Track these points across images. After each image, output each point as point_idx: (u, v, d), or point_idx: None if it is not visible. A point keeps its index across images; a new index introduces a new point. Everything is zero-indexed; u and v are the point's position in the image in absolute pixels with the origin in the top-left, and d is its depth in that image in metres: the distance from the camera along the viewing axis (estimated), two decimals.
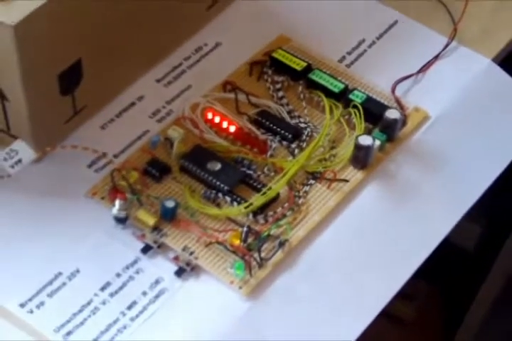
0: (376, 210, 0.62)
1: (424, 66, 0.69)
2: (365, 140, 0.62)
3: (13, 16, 0.52)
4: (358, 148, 0.62)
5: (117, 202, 0.58)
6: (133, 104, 0.66)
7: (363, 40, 0.71)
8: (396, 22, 0.72)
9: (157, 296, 0.57)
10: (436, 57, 0.70)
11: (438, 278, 1.19)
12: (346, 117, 0.65)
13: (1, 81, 0.56)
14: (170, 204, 0.58)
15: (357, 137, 0.62)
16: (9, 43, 0.53)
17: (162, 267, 0.58)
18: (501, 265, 1.12)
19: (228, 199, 0.60)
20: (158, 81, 0.67)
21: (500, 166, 0.66)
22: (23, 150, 0.58)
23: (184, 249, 0.58)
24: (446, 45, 0.70)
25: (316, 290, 0.58)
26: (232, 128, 0.63)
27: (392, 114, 0.63)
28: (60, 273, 0.57)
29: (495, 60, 0.70)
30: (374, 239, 0.61)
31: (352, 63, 0.69)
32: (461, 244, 1.17)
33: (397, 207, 0.63)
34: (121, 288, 0.57)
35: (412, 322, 1.20)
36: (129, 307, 0.56)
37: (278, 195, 0.61)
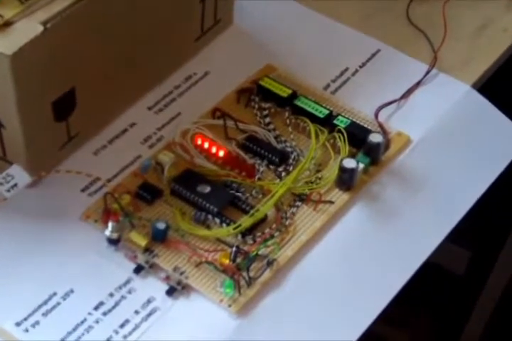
0: (361, 231, 0.64)
1: (406, 92, 0.72)
2: (349, 163, 0.64)
3: (10, 46, 0.54)
4: (343, 170, 0.64)
5: (110, 224, 0.60)
6: (125, 130, 0.68)
7: (347, 69, 0.73)
8: (378, 51, 0.75)
9: (149, 315, 0.58)
10: (418, 84, 0.72)
11: (430, 303, 1.20)
12: (331, 141, 0.67)
13: None
14: (161, 225, 0.60)
15: (341, 160, 0.64)
16: (6, 72, 0.55)
17: (154, 287, 0.60)
18: (491, 288, 1.13)
19: (218, 220, 0.62)
20: (149, 108, 0.70)
21: (480, 187, 0.68)
22: (19, 174, 0.60)
23: (175, 269, 0.60)
24: (427, 73, 0.73)
25: (303, 308, 0.60)
26: (221, 153, 0.66)
27: (375, 137, 0.66)
28: (54, 294, 0.59)
29: (474, 86, 0.73)
30: (359, 258, 0.63)
31: (336, 90, 0.72)
32: (451, 269, 1.19)
33: (382, 227, 0.65)
34: (114, 307, 0.59)
35: None
36: (122, 326, 0.58)
37: (266, 216, 0.63)
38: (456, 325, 1.19)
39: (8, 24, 0.55)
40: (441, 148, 0.70)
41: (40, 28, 0.55)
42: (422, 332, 1.23)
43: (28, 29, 0.55)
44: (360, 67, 0.74)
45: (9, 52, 0.54)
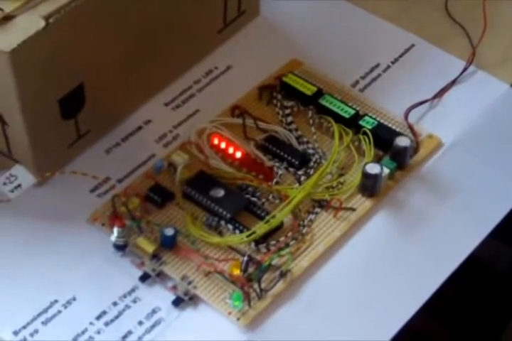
0: (384, 240, 0.60)
1: (440, 91, 0.67)
2: (373, 168, 0.60)
3: (9, 42, 0.51)
4: (366, 176, 0.60)
5: (115, 230, 0.57)
6: (140, 128, 0.65)
7: (378, 65, 0.69)
8: (412, 46, 0.70)
9: (153, 326, 0.55)
10: (453, 82, 0.68)
11: (472, 297, 1.17)
12: (356, 144, 0.63)
13: (0, 105, 0.56)
14: (169, 232, 0.57)
15: (364, 165, 0.60)
16: (5, 69, 0.52)
17: (160, 296, 0.57)
18: None
19: (230, 227, 0.59)
20: (166, 104, 0.66)
21: None
22: (22, 175, 0.58)
23: (183, 278, 0.57)
24: (464, 70, 0.68)
25: (318, 324, 0.56)
26: (239, 154, 0.62)
27: (402, 141, 0.61)
28: (56, 301, 0.56)
29: None
30: (382, 270, 0.59)
31: (365, 88, 0.68)
32: (493, 265, 1.15)
33: (407, 236, 0.61)
34: (117, 317, 0.56)
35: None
36: (124, 337, 0.55)
37: (282, 223, 0.59)
38: (499, 320, 1.15)
39: (8, 18, 0.52)
40: (476, 151, 0.65)
41: (42, 23, 0.52)
42: (462, 327, 1.20)
43: (29, 24, 0.52)
44: (393, 63, 0.69)
45: (7, 48, 0.51)
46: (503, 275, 1.15)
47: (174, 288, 0.57)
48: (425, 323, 1.19)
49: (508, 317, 1.14)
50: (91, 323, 0.55)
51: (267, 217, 0.59)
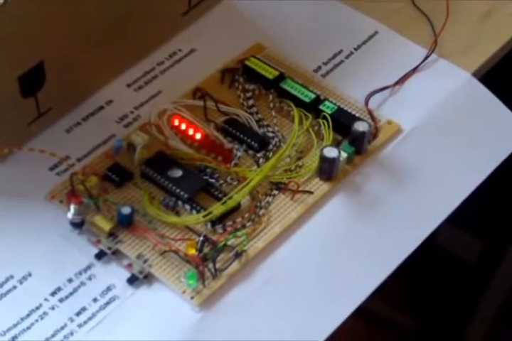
0: (340, 223, 0.61)
1: (401, 78, 0.68)
2: (330, 152, 0.60)
3: None
4: (323, 160, 0.61)
5: (72, 207, 0.57)
6: (101, 108, 0.65)
7: (341, 51, 0.70)
8: (376, 33, 0.71)
9: (107, 303, 0.56)
10: (415, 70, 0.68)
11: (440, 290, 1.18)
12: (316, 128, 0.64)
13: None
14: (126, 210, 0.58)
15: (322, 149, 0.61)
16: None
17: (115, 274, 0.57)
18: (502, 278, 1.11)
19: (188, 207, 0.59)
20: (128, 85, 0.66)
21: (474, 182, 0.65)
22: None
23: (138, 256, 0.57)
24: (426, 58, 0.69)
25: (271, 304, 0.57)
26: (198, 136, 0.63)
27: (360, 126, 0.62)
28: (11, 277, 0.56)
29: (475, 74, 0.69)
30: (337, 252, 0.60)
31: (327, 73, 0.68)
32: (463, 257, 1.17)
33: (363, 220, 0.62)
34: (71, 293, 0.56)
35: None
36: (78, 314, 0.55)
37: (239, 204, 0.60)
38: (466, 311, 1.16)
39: None
40: (435, 138, 0.66)
41: (1, 0, 0.52)
42: (432, 318, 1.21)
43: None
44: (356, 49, 0.70)
45: None
46: (473, 267, 1.16)
47: (129, 266, 0.57)
48: (393, 314, 1.21)
49: (474, 308, 1.15)
50: (46, 299, 0.56)
51: (224, 198, 0.60)
